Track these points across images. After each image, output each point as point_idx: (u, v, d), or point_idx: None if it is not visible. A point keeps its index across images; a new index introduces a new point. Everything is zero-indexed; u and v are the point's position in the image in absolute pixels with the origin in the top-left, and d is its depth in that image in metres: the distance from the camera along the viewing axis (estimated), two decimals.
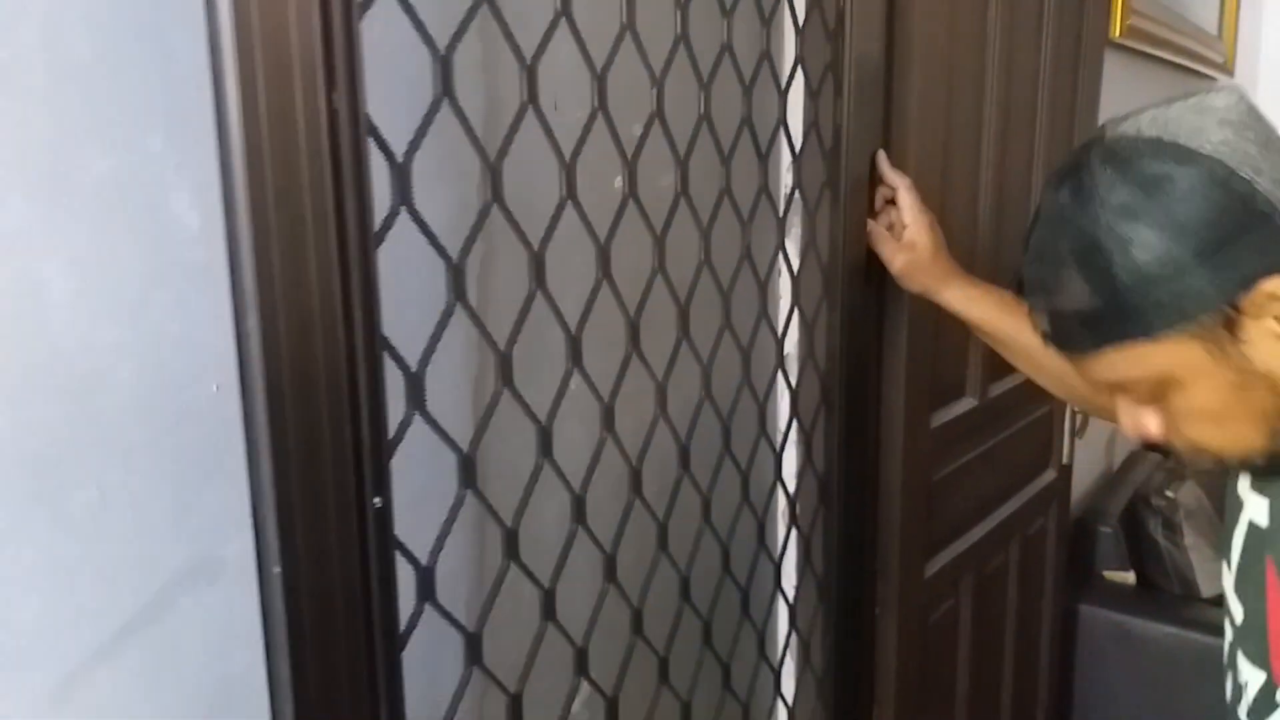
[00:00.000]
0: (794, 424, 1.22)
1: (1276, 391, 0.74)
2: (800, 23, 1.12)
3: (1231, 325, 0.71)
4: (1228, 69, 3.35)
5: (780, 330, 1.18)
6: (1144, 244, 0.69)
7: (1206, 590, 2.24)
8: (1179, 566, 2.23)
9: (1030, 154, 1.59)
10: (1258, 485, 0.81)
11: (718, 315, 1.06)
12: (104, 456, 0.56)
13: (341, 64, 0.68)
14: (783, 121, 1.13)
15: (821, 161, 1.16)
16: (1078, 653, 2.21)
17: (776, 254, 1.16)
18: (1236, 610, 0.85)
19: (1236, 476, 0.85)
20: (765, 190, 1.12)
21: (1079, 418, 1.90)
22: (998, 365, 1.59)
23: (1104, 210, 0.71)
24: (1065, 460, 1.90)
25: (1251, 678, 0.83)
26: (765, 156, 1.11)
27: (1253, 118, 0.71)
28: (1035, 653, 1.96)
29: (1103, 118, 1.89)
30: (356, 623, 0.74)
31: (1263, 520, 0.80)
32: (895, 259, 1.20)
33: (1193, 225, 0.68)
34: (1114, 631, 2.18)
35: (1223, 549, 0.86)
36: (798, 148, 1.14)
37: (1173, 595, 2.24)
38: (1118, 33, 2.05)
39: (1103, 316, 0.73)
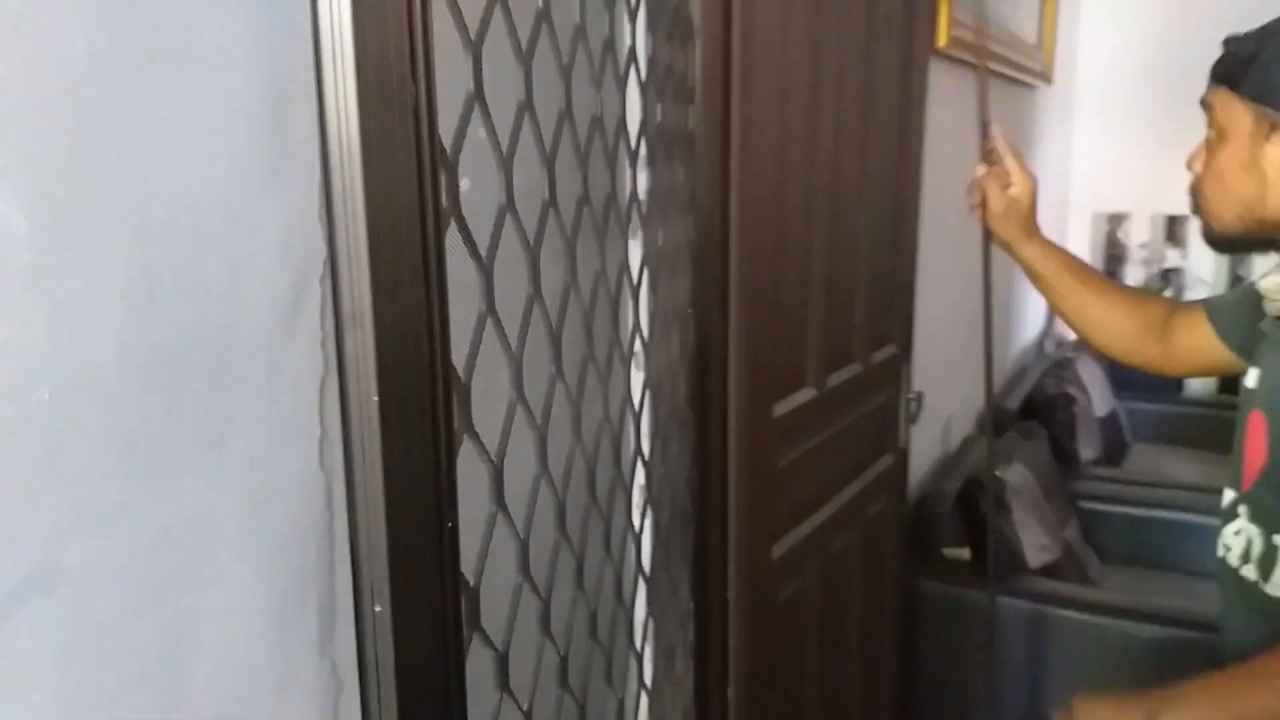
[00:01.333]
0: (644, 417, 1.26)
1: (1260, 185, 1.11)
2: (641, 24, 1.16)
3: (1273, 128, 1.08)
4: (1047, 77, 3.58)
5: (630, 329, 1.22)
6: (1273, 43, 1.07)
7: (1034, 562, 2.39)
8: (1008, 541, 2.37)
9: (861, 157, 1.68)
10: (1252, 360, 1.19)
11: (578, 317, 1.09)
12: None
13: (421, 53, 0.68)
14: (623, 126, 1.16)
15: (654, 166, 1.21)
16: (921, 625, 2.34)
17: (625, 257, 1.19)
18: (1238, 437, 1.19)
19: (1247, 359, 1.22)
20: (613, 195, 1.15)
21: (913, 405, 2.01)
22: (835, 357, 1.68)
23: None
24: (902, 445, 2.01)
25: (1229, 496, 1.20)
26: (613, 159, 1.15)
27: None
28: (881, 627, 2.06)
29: (930, 123, 2.01)
30: (444, 651, 0.77)
31: (1252, 384, 1.18)
32: (998, 202, 1.44)
33: None
34: (952, 604, 2.32)
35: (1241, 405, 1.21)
36: (641, 151, 1.18)
37: (1004, 567, 2.39)
38: (943, 42, 2.17)
39: (1234, 67, 1.10)
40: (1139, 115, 4.40)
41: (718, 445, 1.34)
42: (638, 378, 1.24)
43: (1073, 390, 3.27)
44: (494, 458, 0.88)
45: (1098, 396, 3.55)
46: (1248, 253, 1.20)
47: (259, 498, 0.73)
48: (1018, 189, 1.44)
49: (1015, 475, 2.46)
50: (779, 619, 1.56)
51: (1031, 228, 1.47)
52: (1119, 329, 1.44)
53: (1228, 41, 1.14)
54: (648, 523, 1.28)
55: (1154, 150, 4.41)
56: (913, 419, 2.01)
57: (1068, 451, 3.13)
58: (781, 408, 1.49)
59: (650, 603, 1.33)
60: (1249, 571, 1.17)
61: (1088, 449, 3.25)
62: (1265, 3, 3.76)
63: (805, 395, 1.57)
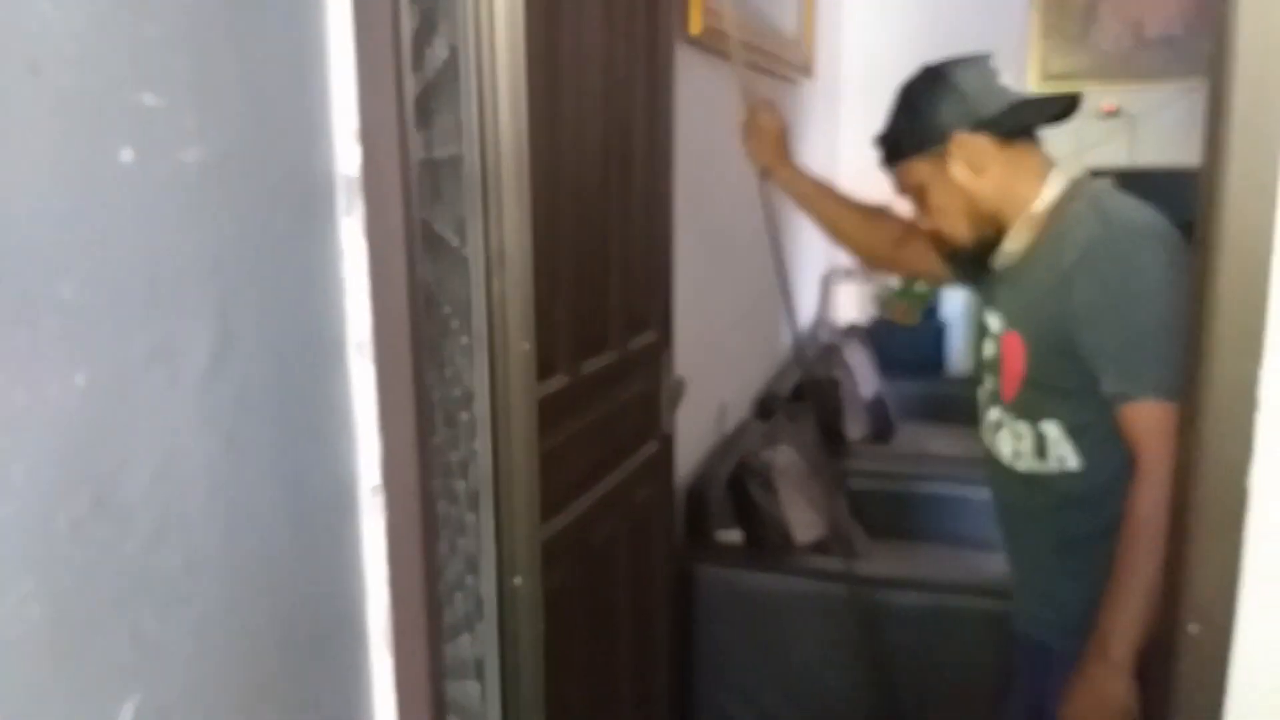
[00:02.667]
0: (374, 411, 1.19)
1: (967, 200, 1.48)
2: None
3: (944, 156, 1.47)
4: (808, 71, 3.71)
5: (347, 319, 1.14)
6: (903, 112, 1.51)
7: (801, 539, 2.47)
8: (776, 520, 2.44)
9: (605, 140, 1.66)
10: (988, 299, 1.58)
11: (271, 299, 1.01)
12: None
13: None
14: (325, 98, 1.09)
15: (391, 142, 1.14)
16: (696, 608, 2.37)
17: (334, 238, 1.12)
18: (990, 370, 1.57)
19: (984, 310, 1.61)
20: (317, 169, 1.08)
21: (678, 386, 2.02)
22: (589, 343, 1.65)
23: (903, 94, 1.53)
24: (666, 430, 2.02)
25: (994, 414, 1.56)
26: (313, 130, 1.07)
27: (984, 66, 1.47)
28: (653, 612, 2.07)
29: (681, 109, 2.02)
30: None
31: (995, 320, 1.56)
32: (750, 139, 1.88)
33: (923, 106, 1.47)
34: (725, 585, 2.35)
35: (980, 351, 1.62)
36: (356, 120, 1.10)
37: (773, 546, 2.45)
38: (696, 30, 2.20)
39: (893, 146, 1.54)
40: None
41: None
42: (366, 369, 1.17)
43: (839, 374, 3.41)
44: None
45: (864, 380, 3.71)
46: (998, 246, 1.51)
47: None
48: (765, 124, 1.87)
49: (782, 456, 2.53)
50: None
51: (783, 156, 1.89)
52: (858, 238, 1.89)
53: (876, 139, 1.56)
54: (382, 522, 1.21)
55: None
56: (674, 404, 2.02)
57: (835, 432, 3.26)
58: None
59: (393, 603, 1.26)
60: (1024, 464, 1.51)
61: (855, 429, 3.39)
62: (1005, 5, 4.02)
63: (557, 383, 1.54)
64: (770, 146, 1.86)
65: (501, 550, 0.74)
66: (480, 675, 1.20)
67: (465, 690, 1.21)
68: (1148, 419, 1.30)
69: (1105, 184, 1.47)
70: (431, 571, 1.19)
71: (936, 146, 1.47)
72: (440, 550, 1.18)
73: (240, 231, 0.97)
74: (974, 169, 1.46)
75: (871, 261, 1.92)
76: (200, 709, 0.94)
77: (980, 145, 1.45)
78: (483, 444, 1.10)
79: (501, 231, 0.87)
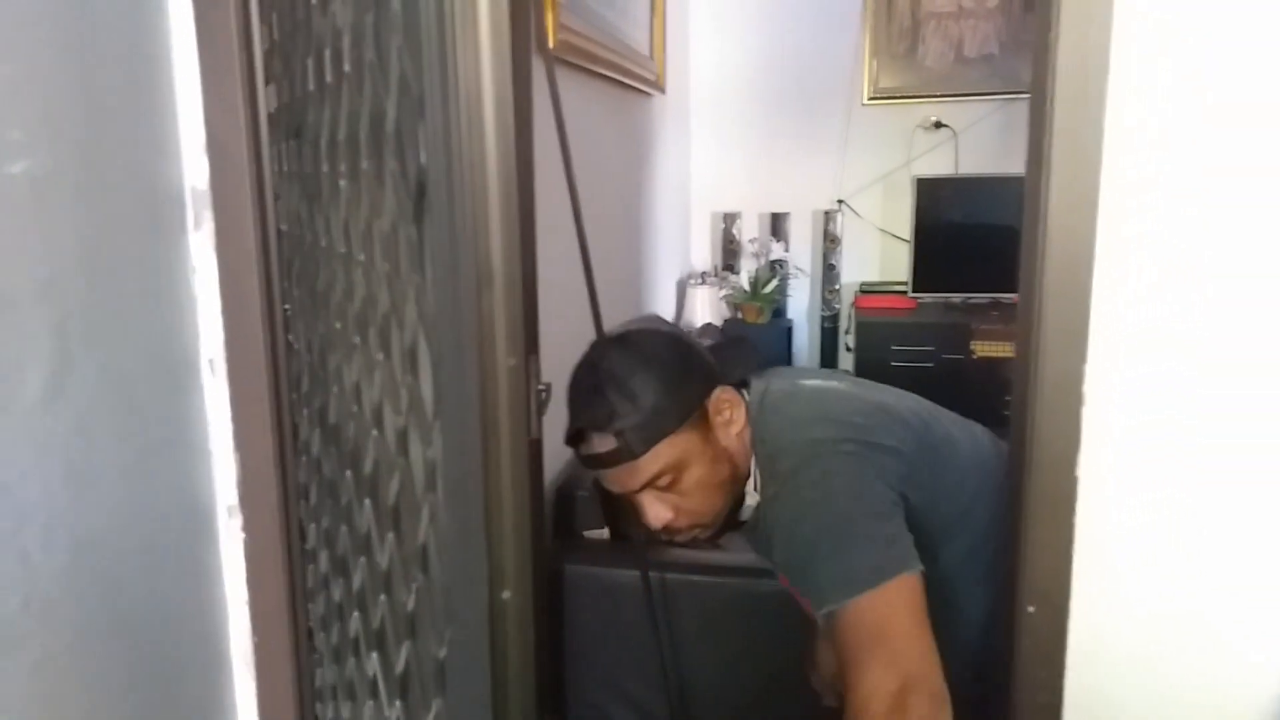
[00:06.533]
0: (234, 429, 1.11)
1: (729, 459, 1.27)
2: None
3: (705, 419, 1.26)
4: (660, 86, 3.73)
5: (199, 335, 1.07)
6: (646, 394, 1.22)
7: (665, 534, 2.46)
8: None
9: None
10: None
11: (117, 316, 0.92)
12: None
13: None
14: (170, 109, 1.01)
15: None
16: (566, 608, 2.33)
17: (183, 252, 1.04)
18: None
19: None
20: (164, 182, 1.00)
21: (544, 393, 1.98)
22: None
23: (630, 381, 1.24)
24: (535, 436, 1.97)
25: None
26: (158, 141, 0.99)
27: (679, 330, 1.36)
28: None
29: (538, 122, 1.98)
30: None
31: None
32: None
33: (673, 377, 1.25)
34: (593, 583, 2.32)
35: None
36: (203, 134, 1.03)
37: (638, 542, 2.43)
38: (550, 45, 2.16)
39: (645, 424, 1.22)
40: (744, 125, 4.72)
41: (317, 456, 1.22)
42: (220, 386, 1.09)
43: None
44: None
45: None
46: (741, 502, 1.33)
47: None
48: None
49: None
50: None
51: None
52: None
53: (603, 452, 1.24)
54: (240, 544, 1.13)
55: (757, 156, 4.76)
56: (541, 410, 1.98)
57: None
58: None
59: (255, 626, 1.18)
60: None
61: None
62: (839, 26, 4.10)
63: None
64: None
65: (493, 560, 0.70)
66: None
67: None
68: (845, 622, 1.12)
69: (760, 396, 1.32)
70: (296, 591, 1.12)
71: (695, 414, 1.26)
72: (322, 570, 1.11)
73: (80, 247, 0.88)
74: (732, 423, 1.29)
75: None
76: None
77: (730, 396, 1.30)
78: None
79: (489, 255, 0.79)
